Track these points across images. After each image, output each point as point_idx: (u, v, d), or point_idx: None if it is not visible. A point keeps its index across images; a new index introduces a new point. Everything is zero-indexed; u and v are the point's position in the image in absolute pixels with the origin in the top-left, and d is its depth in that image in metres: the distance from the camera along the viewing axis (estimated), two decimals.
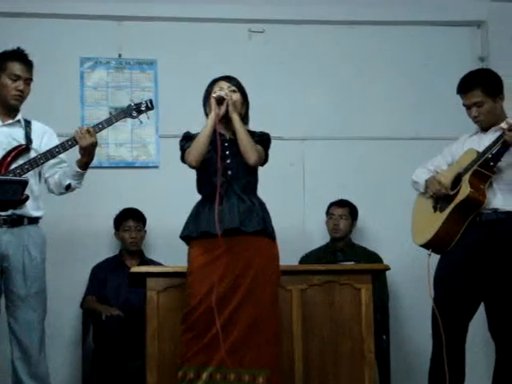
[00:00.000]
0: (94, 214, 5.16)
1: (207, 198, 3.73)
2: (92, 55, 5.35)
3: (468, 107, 3.99)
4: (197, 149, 3.66)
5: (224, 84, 3.77)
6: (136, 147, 5.34)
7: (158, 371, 3.92)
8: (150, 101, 4.01)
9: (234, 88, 3.76)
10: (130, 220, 5.01)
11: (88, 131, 3.81)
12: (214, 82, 3.82)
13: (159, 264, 4.93)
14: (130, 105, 3.98)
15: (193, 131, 3.78)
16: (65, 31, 5.31)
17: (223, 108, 3.67)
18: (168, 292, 4.00)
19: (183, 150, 3.78)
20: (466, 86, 3.99)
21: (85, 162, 3.89)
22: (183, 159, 3.79)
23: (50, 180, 3.99)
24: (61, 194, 4.02)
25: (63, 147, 3.85)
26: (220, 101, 3.67)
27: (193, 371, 3.57)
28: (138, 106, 3.97)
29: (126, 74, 5.38)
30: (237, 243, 3.61)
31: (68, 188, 3.95)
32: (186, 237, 3.75)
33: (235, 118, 3.68)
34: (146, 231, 5.09)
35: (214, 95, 3.69)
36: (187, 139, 3.78)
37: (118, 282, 4.87)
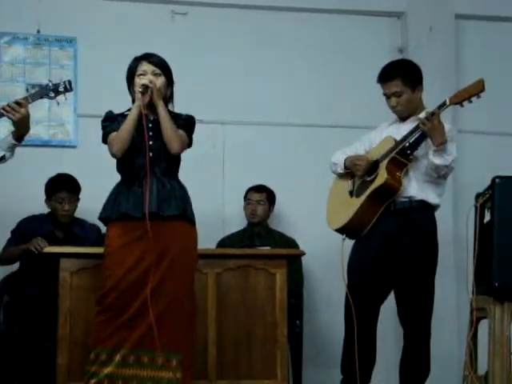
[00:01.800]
0: (8, 193, 5.04)
1: (126, 180, 3.71)
2: (10, 30, 5.22)
3: (387, 96, 4.05)
4: (121, 140, 3.63)
5: (147, 67, 3.72)
6: (53, 126, 5.25)
7: (70, 353, 3.90)
8: (69, 82, 3.91)
9: (158, 71, 3.72)
10: (63, 192, 4.76)
11: (18, 104, 3.71)
12: (137, 60, 3.75)
13: (94, 226, 4.77)
14: (47, 84, 3.88)
15: (113, 111, 3.75)
16: None
17: (147, 97, 3.64)
18: (82, 273, 3.97)
19: (106, 131, 3.72)
20: (386, 75, 4.04)
21: (21, 134, 3.79)
22: (105, 141, 3.74)
23: None
24: None
25: None
26: (145, 91, 3.64)
27: (105, 353, 3.57)
28: (56, 86, 3.88)
29: (45, 50, 5.26)
30: (155, 227, 3.59)
31: (1, 159, 3.85)
32: (104, 218, 3.73)
33: (160, 105, 3.65)
34: (79, 199, 4.84)
35: (140, 85, 3.63)
36: (110, 120, 3.74)
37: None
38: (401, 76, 3.99)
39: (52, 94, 3.86)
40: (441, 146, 3.80)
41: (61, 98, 3.90)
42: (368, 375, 3.99)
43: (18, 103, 3.70)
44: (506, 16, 5.70)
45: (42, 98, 3.87)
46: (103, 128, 3.75)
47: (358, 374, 3.88)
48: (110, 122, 3.73)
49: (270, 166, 5.40)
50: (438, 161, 3.83)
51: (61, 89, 3.87)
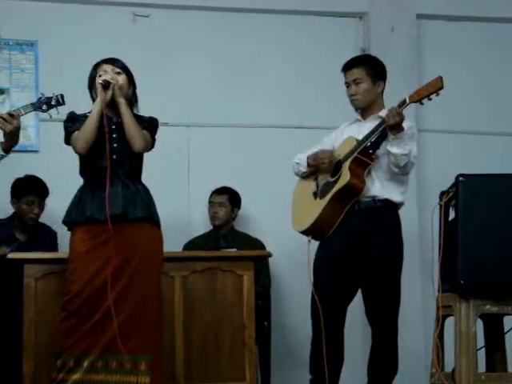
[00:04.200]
0: None
1: (90, 183, 3.69)
2: None
3: (348, 85, 4.07)
4: (84, 137, 3.61)
5: (108, 67, 3.72)
6: None
7: (35, 360, 3.86)
8: (61, 96, 3.92)
9: (118, 70, 3.71)
10: (34, 195, 4.74)
11: (11, 115, 3.68)
12: (97, 65, 3.76)
13: (52, 230, 4.73)
14: (40, 98, 3.89)
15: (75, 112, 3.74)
16: None
17: (109, 92, 3.63)
18: (47, 279, 3.94)
19: (68, 131, 3.71)
20: (350, 63, 4.09)
21: (10, 146, 3.78)
22: (67, 141, 3.72)
23: None
24: None
25: None
26: (106, 85, 3.62)
27: (73, 359, 3.55)
28: (48, 99, 3.88)
29: (5, 54, 5.21)
30: (121, 229, 3.58)
31: None
32: (69, 222, 3.70)
33: (121, 103, 3.65)
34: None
35: (100, 80, 3.63)
36: (72, 120, 3.72)
37: None
38: (364, 65, 4.04)
39: (44, 107, 3.88)
40: (398, 134, 3.80)
41: (53, 111, 3.90)
42: (337, 375, 4.00)
43: (10, 115, 3.69)
44: (466, 15, 5.76)
45: (34, 110, 3.89)
46: (66, 128, 3.72)
47: (327, 374, 3.89)
48: (73, 122, 3.71)
49: (235, 167, 5.40)
50: (396, 149, 3.82)
51: (53, 102, 3.89)
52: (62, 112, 3.81)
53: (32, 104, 3.88)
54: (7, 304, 4.41)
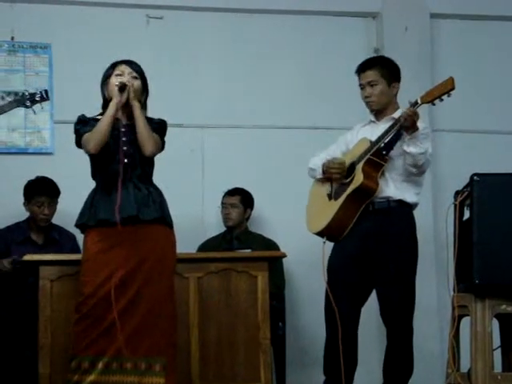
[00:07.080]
0: None
1: (102, 186, 3.69)
2: None
3: (362, 87, 4.06)
4: (97, 136, 3.60)
5: (125, 68, 3.72)
6: (29, 133, 5.21)
7: (51, 361, 3.88)
8: (45, 91, 3.95)
9: (135, 74, 3.72)
10: (43, 196, 4.75)
11: None
12: (115, 65, 3.76)
13: (70, 233, 4.75)
14: (23, 94, 3.90)
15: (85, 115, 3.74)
16: None
17: (125, 95, 3.63)
18: (62, 281, 3.95)
19: (79, 134, 3.70)
20: (364, 65, 4.08)
21: None
22: (78, 144, 3.73)
23: None
24: None
25: None
26: (122, 88, 3.63)
27: (88, 361, 3.55)
28: (32, 95, 3.89)
29: (19, 57, 5.23)
30: (134, 231, 3.60)
31: None
32: (81, 225, 3.71)
33: (136, 106, 3.65)
34: (57, 203, 4.84)
35: (117, 82, 3.63)
36: (83, 123, 3.72)
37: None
38: (379, 67, 4.03)
39: (28, 103, 3.88)
40: (413, 133, 3.80)
41: (37, 106, 3.90)
42: (351, 376, 3.99)
43: None
44: (480, 14, 5.74)
45: (18, 106, 3.88)
46: (76, 131, 3.72)
47: (342, 375, 3.88)
48: (83, 124, 3.71)
49: (249, 169, 5.40)
50: (413, 149, 3.82)
51: (37, 98, 3.90)
52: (75, 114, 3.82)
53: (16, 100, 3.89)
54: (23, 306, 4.44)
